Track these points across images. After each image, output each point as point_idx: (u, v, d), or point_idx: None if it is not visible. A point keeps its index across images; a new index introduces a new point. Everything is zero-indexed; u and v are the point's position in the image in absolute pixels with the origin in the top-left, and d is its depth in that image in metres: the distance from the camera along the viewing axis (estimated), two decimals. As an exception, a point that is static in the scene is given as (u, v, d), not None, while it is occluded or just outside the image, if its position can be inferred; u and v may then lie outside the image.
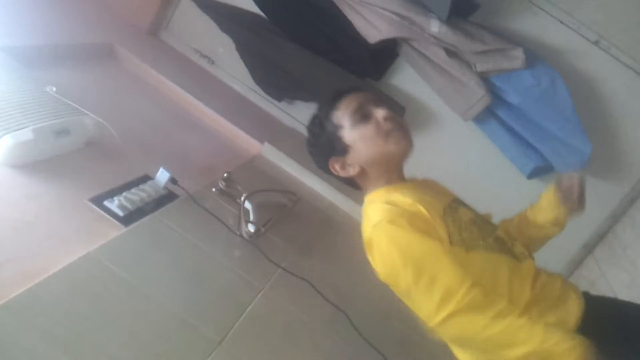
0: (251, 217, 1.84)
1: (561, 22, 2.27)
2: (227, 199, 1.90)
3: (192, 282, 1.54)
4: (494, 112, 2.30)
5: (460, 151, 2.53)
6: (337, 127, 1.23)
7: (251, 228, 1.78)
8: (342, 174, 1.25)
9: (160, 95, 2.39)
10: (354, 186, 1.30)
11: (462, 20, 2.20)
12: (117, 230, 1.52)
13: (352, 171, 1.24)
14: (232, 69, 2.69)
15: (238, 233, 1.77)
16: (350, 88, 1.30)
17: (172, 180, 1.76)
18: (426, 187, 1.27)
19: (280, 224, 1.94)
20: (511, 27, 2.30)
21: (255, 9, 2.47)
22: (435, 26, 2.13)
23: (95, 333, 1.23)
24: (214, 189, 1.91)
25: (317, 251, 1.97)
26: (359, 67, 2.40)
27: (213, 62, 2.72)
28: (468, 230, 1.19)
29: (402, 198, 1.16)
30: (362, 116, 1.22)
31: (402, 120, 1.26)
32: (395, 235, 1.09)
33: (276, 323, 1.59)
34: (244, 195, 1.87)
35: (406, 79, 2.47)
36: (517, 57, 2.15)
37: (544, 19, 2.28)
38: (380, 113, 1.21)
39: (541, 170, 2.32)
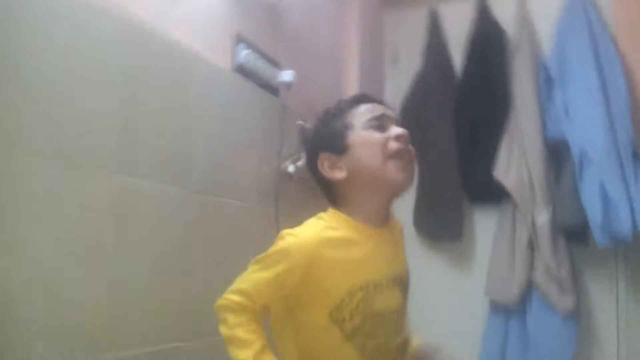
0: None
1: None
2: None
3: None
4: (509, 318, 2.31)
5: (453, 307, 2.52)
6: (347, 126, 1.18)
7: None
8: (326, 174, 1.19)
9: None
10: (327, 194, 1.24)
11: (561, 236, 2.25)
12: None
13: (337, 174, 1.17)
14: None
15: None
16: (379, 100, 1.25)
17: (288, 85, 1.94)
18: (382, 249, 1.19)
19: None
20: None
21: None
22: (543, 218, 2.20)
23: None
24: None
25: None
26: (472, 178, 2.48)
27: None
28: (364, 321, 1.13)
29: (332, 249, 1.12)
30: (377, 126, 1.17)
31: (412, 153, 1.18)
32: (274, 253, 1.13)
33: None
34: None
35: (482, 224, 2.53)
36: (566, 305, 2.16)
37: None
38: (395, 131, 1.16)
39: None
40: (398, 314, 1.20)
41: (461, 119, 2.50)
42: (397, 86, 2.71)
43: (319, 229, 1.16)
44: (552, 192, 2.26)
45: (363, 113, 1.18)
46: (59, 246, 1.15)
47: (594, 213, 2.07)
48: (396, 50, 2.83)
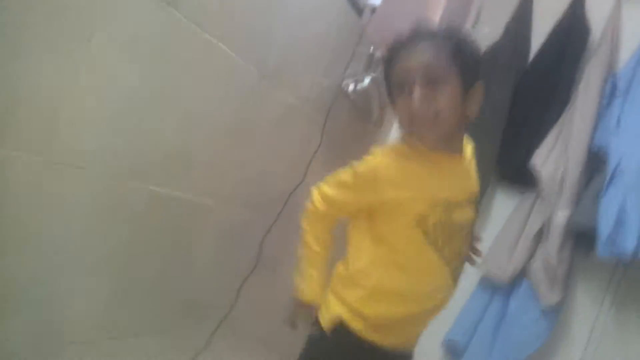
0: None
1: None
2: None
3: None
4: (493, 296, 2.43)
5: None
6: (388, 83, 1.30)
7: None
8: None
9: None
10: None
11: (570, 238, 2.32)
12: None
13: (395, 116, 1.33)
14: None
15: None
16: (416, 50, 1.25)
17: (372, 9, 1.98)
18: (456, 171, 1.36)
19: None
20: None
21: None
22: (563, 215, 2.28)
23: None
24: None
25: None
26: (508, 157, 2.52)
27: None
28: (444, 230, 1.31)
29: (413, 171, 1.29)
30: (403, 92, 1.25)
31: (431, 112, 1.23)
32: (365, 173, 1.32)
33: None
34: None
35: (500, 203, 2.61)
36: (551, 300, 2.25)
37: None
38: (411, 100, 1.22)
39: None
40: (471, 225, 1.41)
41: (519, 99, 2.53)
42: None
43: (402, 153, 1.32)
44: (579, 194, 2.32)
45: (394, 77, 1.27)
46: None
47: (605, 224, 2.12)
48: (479, 14, 2.82)
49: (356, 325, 1.33)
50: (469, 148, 1.42)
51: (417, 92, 1.20)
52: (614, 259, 2.19)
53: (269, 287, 1.92)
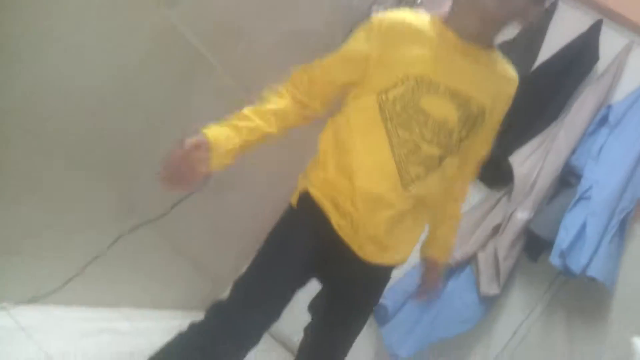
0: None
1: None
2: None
3: None
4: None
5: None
6: None
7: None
8: None
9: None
10: None
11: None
12: None
13: None
14: None
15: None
16: None
17: None
18: (457, 60, 1.25)
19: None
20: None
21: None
22: (523, 215, 2.32)
23: None
24: None
25: None
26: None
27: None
28: (404, 109, 1.23)
29: (408, 35, 1.24)
30: None
31: None
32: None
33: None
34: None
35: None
36: (489, 291, 2.30)
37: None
38: None
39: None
40: (444, 129, 1.26)
41: (513, 101, 2.56)
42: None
43: (406, 14, 1.27)
44: (543, 202, 2.37)
45: None
46: None
47: (564, 237, 2.20)
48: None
49: (312, 191, 1.32)
50: (504, 67, 1.34)
51: None
52: (557, 269, 2.26)
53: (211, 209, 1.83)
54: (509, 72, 1.36)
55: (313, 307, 1.46)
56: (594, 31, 2.64)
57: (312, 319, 1.45)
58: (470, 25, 1.23)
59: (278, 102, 1.30)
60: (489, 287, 2.29)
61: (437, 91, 1.22)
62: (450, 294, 2.35)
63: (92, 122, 1.32)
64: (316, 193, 1.32)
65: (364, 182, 1.27)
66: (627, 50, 2.57)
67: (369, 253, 1.33)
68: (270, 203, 2.15)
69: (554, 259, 2.17)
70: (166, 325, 1.81)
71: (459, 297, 2.33)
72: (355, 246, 1.31)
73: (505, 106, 1.39)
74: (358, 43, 1.29)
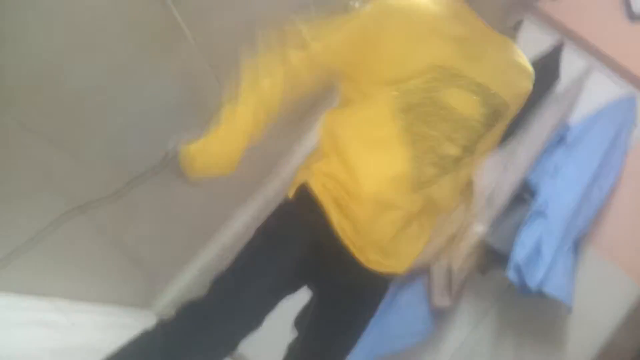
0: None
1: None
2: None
3: None
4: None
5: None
6: None
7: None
8: None
9: None
10: None
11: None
12: None
13: None
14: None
15: None
16: None
17: None
18: (482, 50, 1.12)
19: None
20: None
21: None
22: (480, 229, 2.29)
23: None
24: None
25: None
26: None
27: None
28: (424, 102, 1.10)
29: (434, 18, 1.10)
30: None
31: None
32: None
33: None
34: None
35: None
36: (440, 305, 2.24)
37: None
38: None
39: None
40: (467, 127, 1.14)
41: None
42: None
43: (450, 6, 1.12)
44: (499, 216, 2.35)
45: None
46: None
47: (520, 252, 2.18)
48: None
49: (313, 184, 1.20)
50: (527, 64, 1.26)
51: None
52: (504, 283, 2.24)
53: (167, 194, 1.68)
54: (527, 65, 1.25)
55: (299, 322, 1.32)
56: (556, 51, 2.67)
57: (299, 335, 1.30)
58: (493, 8, 1.12)
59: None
60: (441, 300, 2.24)
61: (461, 83, 1.10)
62: (401, 306, 2.28)
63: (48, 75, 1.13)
64: (318, 187, 1.19)
65: (372, 181, 1.15)
66: (586, 72, 2.61)
67: (371, 259, 1.21)
68: (223, 203, 2.02)
69: (510, 273, 2.15)
70: (103, 321, 1.64)
71: (410, 308, 2.26)
72: (356, 250, 1.19)
73: (521, 102, 1.29)
74: (368, 23, 1.13)
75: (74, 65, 1.10)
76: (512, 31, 1.18)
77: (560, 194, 2.33)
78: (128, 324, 1.81)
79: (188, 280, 2.08)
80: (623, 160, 2.46)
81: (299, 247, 1.17)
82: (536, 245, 2.20)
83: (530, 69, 1.26)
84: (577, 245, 2.31)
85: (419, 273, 2.30)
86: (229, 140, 1.22)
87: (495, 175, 2.38)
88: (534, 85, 2.50)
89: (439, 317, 2.30)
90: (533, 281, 2.13)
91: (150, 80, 1.26)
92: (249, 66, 1.19)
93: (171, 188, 1.63)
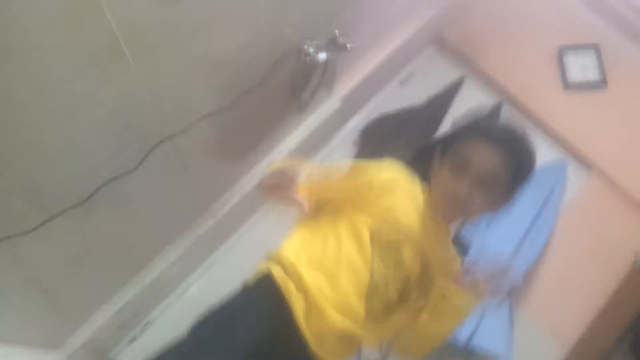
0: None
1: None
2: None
3: None
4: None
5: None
6: (453, 145, 1.33)
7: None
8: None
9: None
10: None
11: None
12: None
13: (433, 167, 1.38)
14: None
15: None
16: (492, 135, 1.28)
17: None
18: (432, 234, 1.33)
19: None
20: None
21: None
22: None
23: None
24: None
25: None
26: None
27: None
28: (388, 245, 1.30)
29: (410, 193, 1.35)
30: (457, 167, 1.28)
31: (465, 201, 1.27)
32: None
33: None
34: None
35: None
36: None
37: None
38: (462, 187, 1.25)
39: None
40: (406, 278, 1.32)
41: (414, 166, 2.58)
42: (392, 102, 2.78)
43: (410, 175, 1.39)
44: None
45: (461, 152, 1.28)
46: None
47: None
48: (410, 75, 2.89)
49: (276, 273, 1.27)
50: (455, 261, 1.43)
51: (469, 184, 1.24)
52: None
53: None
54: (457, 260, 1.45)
55: None
56: (494, 113, 2.76)
57: None
58: (441, 206, 1.32)
59: None
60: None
61: (416, 247, 1.30)
62: None
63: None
64: (282, 276, 1.26)
65: (337, 289, 1.24)
66: (519, 129, 2.69)
67: (331, 353, 1.26)
68: (150, 240, 1.91)
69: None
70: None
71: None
72: (314, 341, 1.23)
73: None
74: (373, 174, 1.36)
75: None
76: (449, 229, 1.42)
77: (492, 248, 2.36)
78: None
79: (104, 320, 1.93)
80: (554, 221, 2.52)
81: (254, 336, 1.19)
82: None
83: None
84: (511, 301, 2.32)
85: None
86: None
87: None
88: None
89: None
90: (462, 335, 2.13)
91: (85, 105, 1.17)
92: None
93: (95, 222, 1.52)
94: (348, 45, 1.87)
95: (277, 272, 1.26)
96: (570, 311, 2.40)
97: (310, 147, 2.45)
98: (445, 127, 2.73)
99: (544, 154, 2.68)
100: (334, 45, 1.89)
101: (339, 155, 2.64)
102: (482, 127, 1.31)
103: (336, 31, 1.88)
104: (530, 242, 2.45)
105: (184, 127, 1.49)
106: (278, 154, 2.20)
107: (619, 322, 2.21)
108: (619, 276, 2.45)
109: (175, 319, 2.21)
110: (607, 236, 2.54)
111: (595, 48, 2.81)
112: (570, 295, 2.44)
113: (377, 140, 2.70)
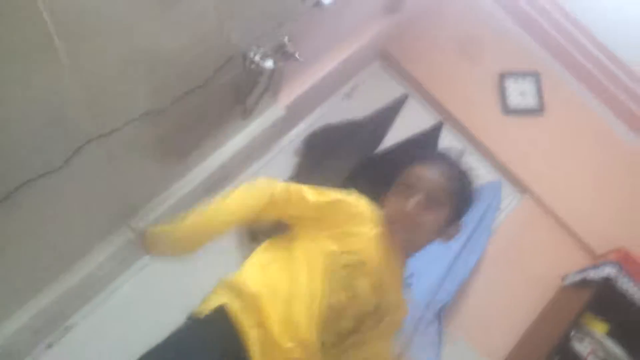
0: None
1: None
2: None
3: None
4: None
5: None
6: (398, 174, 1.37)
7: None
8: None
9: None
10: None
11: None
12: None
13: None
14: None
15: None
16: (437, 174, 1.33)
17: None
18: (388, 262, 1.32)
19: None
20: None
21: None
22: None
23: None
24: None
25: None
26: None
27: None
28: (343, 274, 1.28)
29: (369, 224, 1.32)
30: (404, 188, 1.32)
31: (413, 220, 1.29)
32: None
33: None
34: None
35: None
36: None
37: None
38: (411, 203, 1.27)
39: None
40: (362, 312, 1.31)
41: (354, 178, 2.59)
42: (336, 113, 2.77)
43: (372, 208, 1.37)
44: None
45: (408, 176, 1.34)
46: None
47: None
48: (355, 88, 2.90)
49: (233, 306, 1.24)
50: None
51: (417, 201, 1.26)
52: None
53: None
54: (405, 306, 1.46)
55: None
56: (435, 131, 2.80)
57: None
58: (395, 232, 1.31)
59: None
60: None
61: (372, 278, 1.29)
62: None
63: None
64: (238, 310, 1.22)
65: (291, 319, 1.22)
66: (460, 154, 2.75)
67: None
68: (78, 239, 1.81)
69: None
70: None
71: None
72: None
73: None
74: (344, 196, 1.37)
75: None
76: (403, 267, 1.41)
77: (426, 266, 2.37)
78: None
79: (19, 324, 1.81)
80: (487, 240, 2.57)
81: None
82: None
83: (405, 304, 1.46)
84: (441, 318, 2.35)
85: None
86: (195, 231, 1.38)
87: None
88: (413, 160, 2.64)
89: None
90: (393, 353, 2.12)
91: (8, 95, 1.08)
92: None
93: (15, 221, 1.42)
94: (297, 54, 1.84)
95: (234, 306, 1.23)
96: (498, 329, 2.45)
97: (252, 154, 2.40)
98: (386, 142, 2.74)
99: (481, 174, 2.73)
100: (282, 53, 1.86)
101: (280, 163, 2.61)
102: (423, 153, 1.38)
103: (285, 38, 1.85)
104: (463, 261, 2.49)
105: (117, 125, 1.42)
106: (217, 158, 2.14)
107: (546, 341, 2.27)
108: (546, 296, 2.52)
109: (96, 325, 2.11)
110: (536, 257, 2.62)
111: (535, 76, 2.90)
112: (499, 313, 2.49)
113: (319, 151, 2.68)
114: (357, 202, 1.37)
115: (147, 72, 1.40)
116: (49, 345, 2.05)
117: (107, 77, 1.29)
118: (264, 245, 1.42)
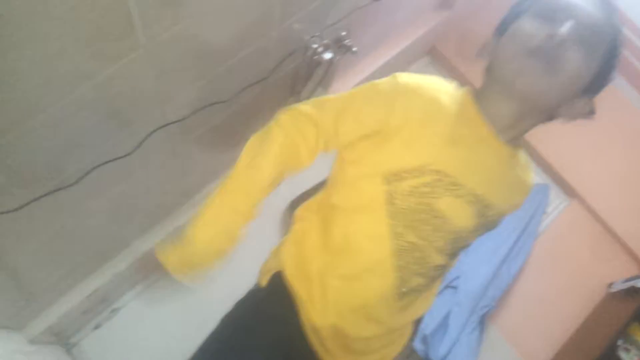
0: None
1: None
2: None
3: None
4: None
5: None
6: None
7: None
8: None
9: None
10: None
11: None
12: None
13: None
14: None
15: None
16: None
17: None
18: (486, 161, 1.01)
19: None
20: None
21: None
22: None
23: None
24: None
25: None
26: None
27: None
28: (418, 207, 0.99)
29: (434, 117, 0.99)
30: (541, 18, 0.93)
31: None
32: (382, 84, 1.09)
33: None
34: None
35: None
36: None
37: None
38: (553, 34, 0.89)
39: None
40: (458, 238, 1.05)
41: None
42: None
43: (438, 86, 1.03)
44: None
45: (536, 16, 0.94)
46: None
47: (429, 323, 2.16)
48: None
49: (287, 273, 1.13)
50: (529, 179, 1.13)
51: (560, 34, 0.87)
52: (410, 351, 2.20)
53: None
54: (528, 180, 1.13)
55: None
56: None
57: None
58: (501, 113, 0.98)
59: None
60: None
61: (459, 193, 0.99)
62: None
63: None
64: (291, 277, 1.11)
65: (351, 285, 1.05)
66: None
67: None
68: (125, 229, 1.83)
69: (417, 344, 2.11)
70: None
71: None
72: (324, 354, 1.13)
73: (510, 213, 1.16)
74: (376, 107, 1.03)
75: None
76: (520, 140, 1.06)
77: (473, 269, 2.35)
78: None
79: (70, 305, 1.84)
80: (532, 245, 2.53)
81: (270, 344, 1.09)
82: (444, 317, 2.19)
83: (531, 184, 1.15)
84: (483, 324, 2.32)
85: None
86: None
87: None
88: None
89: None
90: (436, 355, 2.11)
91: (83, 84, 1.09)
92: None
93: (79, 206, 1.44)
94: (354, 48, 1.83)
95: (286, 272, 1.14)
96: (541, 334, 2.41)
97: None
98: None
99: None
100: (340, 46, 1.85)
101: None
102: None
103: (343, 33, 1.84)
104: (508, 265, 2.46)
105: (184, 114, 1.42)
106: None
107: (591, 350, 2.23)
108: (591, 303, 2.47)
109: (142, 308, 2.14)
110: (582, 263, 2.57)
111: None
112: (542, 318, 2.45)
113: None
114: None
115: (216, 62, 1.40)
116: (97, 326, 2.08)
117: (179, 65, 1.29)
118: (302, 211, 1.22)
